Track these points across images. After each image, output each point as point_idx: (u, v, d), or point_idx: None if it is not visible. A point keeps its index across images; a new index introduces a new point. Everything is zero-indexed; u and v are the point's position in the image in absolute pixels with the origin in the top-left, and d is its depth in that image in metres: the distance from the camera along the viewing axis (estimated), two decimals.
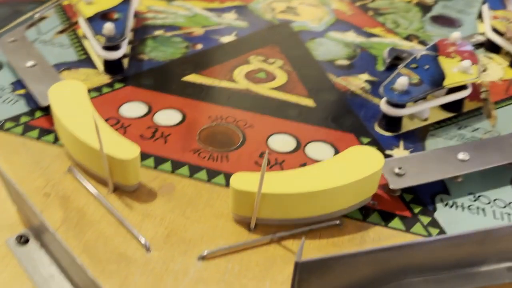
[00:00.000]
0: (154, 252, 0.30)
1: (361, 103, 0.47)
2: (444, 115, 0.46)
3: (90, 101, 0.37)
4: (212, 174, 0.37)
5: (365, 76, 0.51)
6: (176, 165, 0.37)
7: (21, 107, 0.42)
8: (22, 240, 0.30)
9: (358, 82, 0.50)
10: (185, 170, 0.37)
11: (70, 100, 0.37)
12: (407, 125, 0.44)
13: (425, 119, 0.45)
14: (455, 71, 0.44)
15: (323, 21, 0.63)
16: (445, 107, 0.46)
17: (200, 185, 0.36)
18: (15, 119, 0.41)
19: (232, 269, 0.30)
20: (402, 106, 0.41)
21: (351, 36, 0.59)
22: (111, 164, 0.33)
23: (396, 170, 0.35)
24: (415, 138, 0.43)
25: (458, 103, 0.45)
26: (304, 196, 0.31)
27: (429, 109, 0.44)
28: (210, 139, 0.40)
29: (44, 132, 0.39)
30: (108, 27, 0.45)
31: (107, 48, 0.46)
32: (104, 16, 0.49)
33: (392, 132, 0.43)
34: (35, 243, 0.30)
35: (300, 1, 0.68)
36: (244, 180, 0.31)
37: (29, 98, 0.43)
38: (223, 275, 0.29)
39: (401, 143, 0.42)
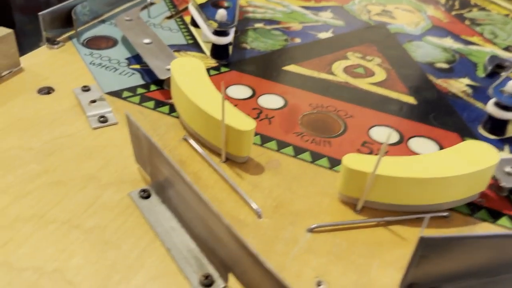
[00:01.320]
0: (265, 219, 0.32)
1: (463, 105, 0.46)
2: None
3: (209, 77, 0.40)
4: (315, 156, 0.38)
5: (466, 81, 0.50)
6: (281, 145, 0.39)
7: (137, 80, 0.45)
8: (145, 194, 0.32)
9: (459, 85, 0.49)
10: (289, 150, 0.38)
11: (190, 74, 0.39)
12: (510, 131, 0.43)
13: None
14: None
15: (420, 26, 0.63)
16: None
17: (304, 164, 0.37)
18: (132, 90, 0.44)
19: (340, 244, 0.30)
20: (510, 109, 0.40)
21: (449, 42, 0.58)
22: (228, 134, 0.34)
23: (507, 169, 0.35)
24: None
25: None
26: (416, 182, 0.31)
27: None
28: (312, 124, 0.41)
29: (159, 103, 0.42)
30: (221, 13, 0.48)
31: (218, 33, 0.48)
32: (215, 4, 0.52)
33: (497, 136, 0.42)
34: (156, 198, 0.32)
35: (395, 5, 0.68)
36: (357, 160, 0.32)
37: (143, 72, 0.46)
38: (331, 248, 0.30)
39: (506, 147, 0.41)
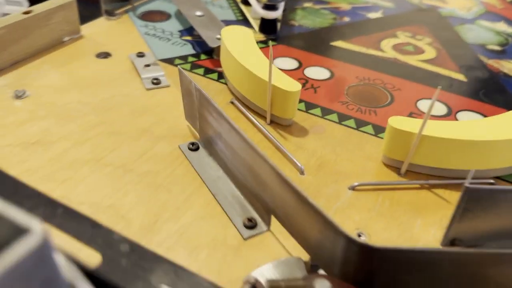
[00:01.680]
0: (307, 176, 0.32)
1: None
2: None
3: (256, 44, 0.41)
4: (360, 123, 0.38)
5: None
6: (326, 112, 0.39)
7: (188, 49, 0.47)
8: (194, 147, 0.34)
9: (511, 66, 0.48)
10: (334, 116, 0.39)
11: (240, 40, 0.40)
12: None
13: None
14: None
15: (472, 10, 0.61)
16: None
17: (349, 130, 0.37)
18: (183, 58, 0.45)
19: (383, 202, 0.30)
20: None
21: (502, 27, 0.57)
22: (274, 96, 0.35)
23: None
24: None
25: None
26: (462, 144, 0.31)
27: None
28: (358, 95, 0.42)
29: (209, 71, 0.44)
30: None
31: (267, 7, 0.49)
32: None
33: None
34: (204, 151, 0.33)
35: None
36: (402, 122, 0.32)
37: (194, 43, 0.48)
38: (374, 205, 0.30)
39: None
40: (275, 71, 0.37)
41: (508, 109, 0.41)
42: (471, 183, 0.24)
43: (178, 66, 0.34)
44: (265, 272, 0.24)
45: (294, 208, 0.25)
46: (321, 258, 0.24)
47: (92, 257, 0.24)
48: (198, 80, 0.42)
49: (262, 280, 0.22)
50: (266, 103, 0.36)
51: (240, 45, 0.40)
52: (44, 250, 0.13)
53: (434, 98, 0.29)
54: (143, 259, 0.24)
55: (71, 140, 0.34)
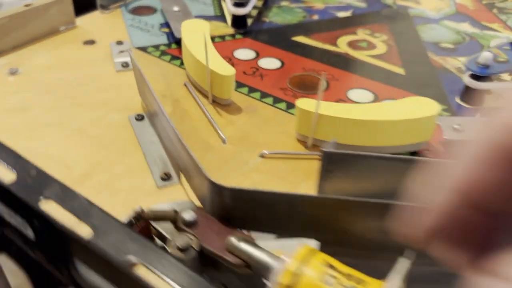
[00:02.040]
0: (228, 145, 0.39)
1: (450, 79, 0.49)
2: None
3: (209, 34, 0.47)
4: (290, 106, 0.44)
5: (464, 59, 0.53)
6: (264, 95, 0.45)
7: (163, 39, 0.54)
8: (139, 117, 0.41)
9: (455, 63, 0.52)
10: (269, 100, 0.45)
11: (195, 32, 0.47)
12: (490, 102, 0.45)
13: None
14: None
15: (442, 11, 0.65)
16: None
17: (278, 111, 0.43)
18: (156, 47, 0.53)
19: (283, 168, 0.36)
20: (482, 78, 0.43)
21: (465, 27, 0.61)
22: (212, 78, 0.42)
23: (454, 126, 0.38)
24: None
25: None
26: (355, 123, 0.36)
27: None
28: (298, 83, 0.47)
29: (174, 58, 0.51)
30: None
31: (236, 4, 0.56)
32: None
33: (471, 105, 0.45)
34: (147, 122, 0.40)
35: None
36: (308, 103, 0.38)
37: (169, 35, 0.55)
38: (275, 170, 0.36)
39: (478, 116, 0.44)
40: (216, 58, 0.43)
41: (434, 99, 0.46)
42: None
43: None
44: (158, 207, 0.31)
45: (189, 164, 0.31)
46: (202, 201, 0.30)
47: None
48: (163, 65, 0.49)
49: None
50: (207, 84, 0.43)
51: (194, 36, 0.46)
52: None
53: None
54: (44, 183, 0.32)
55: (44, 108, 0.42)
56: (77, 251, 0.20)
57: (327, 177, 0.31)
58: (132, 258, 0.20)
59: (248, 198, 0.27)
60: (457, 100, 0.46)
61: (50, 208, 0.22)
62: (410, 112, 0.36)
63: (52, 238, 0.20)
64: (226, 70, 0.42)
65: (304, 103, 0.38)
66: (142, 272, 0.20)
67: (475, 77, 0.44)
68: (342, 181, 0.31)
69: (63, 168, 0.35)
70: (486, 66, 0.43)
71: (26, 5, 0.51)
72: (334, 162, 0.31)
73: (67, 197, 0.24)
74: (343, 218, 0.27)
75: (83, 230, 0.21)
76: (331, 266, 0.24)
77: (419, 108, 0.37)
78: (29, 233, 0.21)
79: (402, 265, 0.23)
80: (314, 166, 0.37)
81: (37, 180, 0.24)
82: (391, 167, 0.31)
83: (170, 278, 0.20)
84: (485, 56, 0.43)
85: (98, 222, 0.22)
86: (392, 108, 0.37)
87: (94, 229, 0.21)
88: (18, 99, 0.43)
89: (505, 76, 0.48)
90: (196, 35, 0.47)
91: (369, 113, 0.37)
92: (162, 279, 0.20)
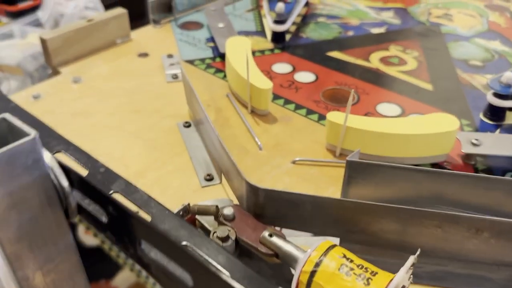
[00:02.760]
0: (264, 151, 0.43)
1: (476, 95, 0.52)
2: None
3: (250, 51, 0.52)
4: (322, 118, 0.48)
5: (491, 76, 0.55)
6: (298, 107, 0.50)
7: (208, 53, 0.59)
8: (187, 124, 0.46)
9: (482, 80, 0.55)
10: (303, 111, 0.49)
11: (238, 48, 0.52)
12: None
13: None
14: None
15: (474, 29, 0.67)
16: None
17: (310, 122, 0.47)
18: (202, 60, 0.58)
19: (313, 173, 0.41)
20: (504, 97, 0.46)
21: (496, 44, 0.63)
22: (252, 91, 0.47)
23: (473, 140, 0.41)
24: None
25: None
26: (379, 135, 0.40)
27: None
28: (330, 96, 0.51)
29: (218, 71, 0.56)
30: (280, 6, 0.60)
31: (276, 22, 0.61)
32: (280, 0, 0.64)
33: (493, 121, 0.47)
34: (193, 128, 0.46)
35: (459, 10, 0.73)
36: (337, 116, 0.42)
37: (214, 49, 0.60)
38: (304, 175, 0.40)
39: (498, 131, 0.46)
40: (256, 73, 0.48)
41: (458, 115, 0.48)
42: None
43: (180, 65, 0.46)
44: (202, 203, 0.35)
45: (229, 167, 0.36)
46: (239, 199, 0.35)
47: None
48: (208, 77, 0.54)
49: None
50: (247, 95, 0.47)
51: (236, 53, 0.51)
52: (34, 145, 0.25)
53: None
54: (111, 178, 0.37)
55: (105, 113, 0.48)
56: (141, 232, 0.25)
57: (350, 183, 0.35)
58: (183, 241, 0.25)
59: (279, 198, 0.32)
60: (481, 116, 0.48)
61: (118, 198, 0.28)
62: (431, 127, 0.40)
63: (122, 221, 0.25)
64: (264, 84, 0.46)
65: (334, 116, 0.42)
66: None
67: (498, 95, 0.46)
68: (364, 188, 0.35)
69: (122, 166, 0.41)
70: (508, 86, 0.46)
71: (89, 20, 0.57)
72: (356, 170, 0.35)
73: (130, 190, 0.29)
74: (362, 220, 0.31)
75: (144, 217, 0.26)
76: (347, 258, 0.28)
77: (440, 123, 0.40)
78: (103, 218, 0.26)
79: (410, 261, 0.27)
80: (340, 173, 0.41)
81: (106, 175, 0.30)
82: (408, 177, 0.34)
83: (213, 259, 0.24)
84: (508, 76, 0.46)
85: (155, 211, 0.27)
86: (414, 122, 0.41)
87: (153, 216, 0.26)
88: (82, 104, 0.49)
89: None
90: (239, 52, 0.51)
91: (392, 127, 0.40)
92: (206, 259, 0.25)
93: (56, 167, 0.26)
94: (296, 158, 0.42)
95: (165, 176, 0.40)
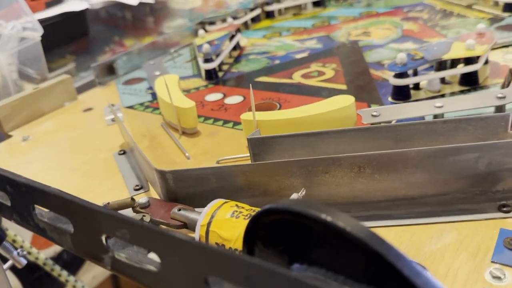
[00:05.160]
0: (192, 160, 0.47)
1: (386, 85, 0.56)
2: (459, 88, 0.52)
3: (178, 83, 0.58)
4: None
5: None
6: (226, 122, 0.54)
7: (147, 98, 0.65)
8: (121, 152, 0.50)
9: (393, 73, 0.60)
10: (230, 124, 0.53)
11: (166, 83, 0.58)
12: (417, 95, 0.52)
13: (438, 91, 0.52)
14: (461, 49, 0.51)
15: (389, 37, 0.74)
16: (461, 82, 0.52)
17: (237, 132, 0.52)
18: (141, 104, 0.63)
19: None
20: (402, 75, 0.51)
21: (408, 45, 0.69)
22: (178, 113, 0.51)
23: (373, 113, 0.45)
24: None
25: (472, 78, 0.52)
26: (286, 122, 0.44)
27: (439, 82, 0.52)
28: (256, 109, 0.56)
29: (155, 109, 0.61)
30: (205, 46, 0.67)
31: (205, 60, 0.67)
32: (208, 43, 0.71)
33: (399, 101, 0.52)
34: (128, 155, 0.50)
35: (377, 27, 0.81)
36: (248, 115, 0.46)
37: (153, 94, 0.66)
38: None
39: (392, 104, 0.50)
40: (180, 98, 0.53)
41: (368, 101, 0.53)
42: None
43: (111, 106, 0.51)
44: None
45: (148, 169, 0.39)
46: (158, 194, 0.38)
47: None
48: (145, 115, 0.59)
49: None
50: (174, 118, 0.52)
51: (163, 86, 0.57)
52: None
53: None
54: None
55: (47, 158, 0.52)
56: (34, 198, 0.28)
57: (255, 159, 0.39)
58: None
59: (186, 177, 0.35)
60: (389, 99, 0.53)
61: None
62: (330, 106, 0.44)
63: (22, 196, 0.28)
64: (187, 103, 0.51)
65: (246, 115, 0.46)
66: None
67: (398, 75, 0.51)
68: (268, 160, 0.39)
69: None
70: (404, 65, 0.51)
71: (35, 88, 0.63)
72: (258, 146, 0.38)
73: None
74: (261, 181, 0.34)
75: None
76: (238, 206, 0.31)
77: (338, 102, 0.45)
78: (7, 202, 0.29)
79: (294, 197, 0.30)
80: None
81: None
82: (303, 142, 0.38)
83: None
84: (401, 56, 0.51)
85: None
86: (316, 106, 0.45)
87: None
88: (28, 156, 0.53)
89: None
90: (166, 86, 0.57)
91: (297, 112, 0.44)
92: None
93: None
94: (219, 158, 0.46)
95: (97, 195, 0.43)
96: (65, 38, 0.92)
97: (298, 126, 0.44)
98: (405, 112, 0.45)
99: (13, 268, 0.54)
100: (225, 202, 0.31)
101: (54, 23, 0.87)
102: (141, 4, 1.07)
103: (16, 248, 0.55)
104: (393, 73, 0.52)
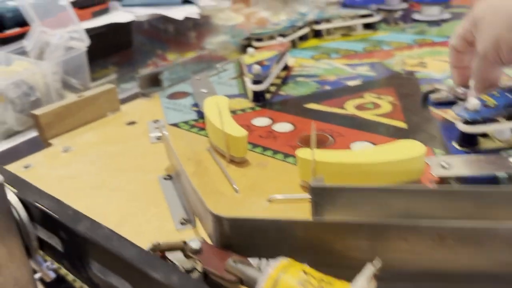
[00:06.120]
0: (240, 194, 0.44)
1: (450, 127, 0.53)
2: None
3: (228, 106, 0.55)
4: None
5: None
6: (275, 152, 0.51)
7: (193, 116, 0.63)
8: (168, 177, 0.48)
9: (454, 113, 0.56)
10: (280, 156, 0.50)
11: (215, 104, 0.55)
12: (486, 144, 0.48)
13: (508, 141, 0.48)
14: None
15: (447, 71, 0.70)
16: None
17: (287, 165, 0.49)
18: (186, 122, 0.61)
19: (288, 210, 0.41)
20: (472, 123, 0.47)
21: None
22: (228, 140, 0.49)
23: (442, 163, 0.42)
24: None
25: None
26: (348, 166, 0.41)
27: (510, 131, 0.48)
28: (307, 141, 0.53)
29: (201, 130, 0.58)
30: (256, 67, 0.64)
31: (254, 82, 0.64)
32: (257, 63, 0.68)
33: (465, 148, 0.48)
34: (172, 181, 0.47)
35: (433, 57, 0.77)
36: (306, 152, 0.43)
37: (198, 112, 0.64)
38: (280, 211, 0.41)
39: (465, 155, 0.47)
40: (230, 123, 0.50)
41: (431, 145, 0.49)
42: None
43: (163, 130, 0.48)
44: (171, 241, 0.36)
45: (199, 206, 0.37)
46: (210, 237, 0.35)
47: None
48: (191, 135, 0.57)
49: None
50: (224, 145, 0.49)
51: (213, 109, 0.54)
52: None
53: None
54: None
55: (90, 174, 0.50)
56: (93, 253, 0.25)
57: (318, 210, 0.36)
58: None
59: (244, 226, 0.32)
60: (454, 144, 0.49)
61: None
62: (398, 154, 0.41)
63: (75, 246, 0.26)
64: (239, 132, 0.48)
65: (302, 153, 0.43)
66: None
67: (468, 122, 0.47)
68: (332, 213, 0.36)
69: (101, 217, 0.42)
70: (476, 111, 0.47)
71: (79, 96, 0.61)
72: (321, 195, 0.35)
73: (94, 226, 0.30)
74: (327, 240, 0.31)
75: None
76: (306, 273, 0.28)
77: (407, 149, 0.41)
78: (58, 246, 0.27)
79: (369, 270, 0.27)
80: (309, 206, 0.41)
81: (72, 214, 0.31)
82: (372, 197, 0.35)
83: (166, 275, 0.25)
84: (474, 102, 0.47)
85: (116, 244, 0.28)
86: (381, 151, 0.42)
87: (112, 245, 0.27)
88: (69, 170, 0.51)
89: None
90: (216, 108, 0.54)
91: (360, 157, 0.41)
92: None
93: (17, 203, 0.27)
94: (271, 196, 0.43)
95: (141, 222, 0.41)
96: (109, 49, 0.91)
97: (361, 174, 0.41)
98: (478, 166, 0.41)
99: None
100: (290, 265, 0.28)
101: (100, 34, 0.86)
102: (185, 18, 1.06)
103: (46, 261, 0.53)
104: (460, 118, 0.48)
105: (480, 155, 0.44)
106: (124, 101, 0.69)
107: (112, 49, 1.00)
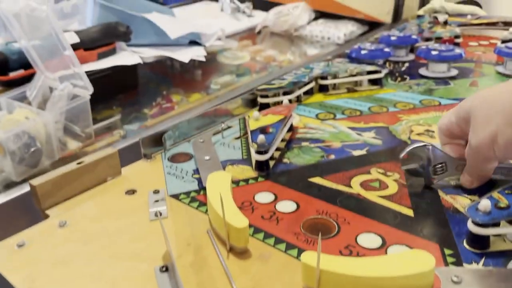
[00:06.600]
0: None
1: (460, 220, 0.51)
2: None
3: (230, 186, 0.54)
4: (301, 252, 0.47)
5: (476, 198, 0.55)
6: (278, 241, 0.49)
7: (194, 186, 0.61)
8: (164, 269, 0.46)
9: (466, 202, 0.54)
10: (282, 246, 0.49)
11: (217, 184, 0.54)
12: (498, 245, 0.47)
13: None
14: None
15: None
16: None
17: (290, 260, 0.47)
18: (187, 193, 0.59)
19: None
20: (484, 225, 0.45)
21: None
22: (229, 229, 0.47)
23: (453, 278, 0.40)
24: (500, 259, 0.45)
25: None
26: (354, 279, 0.39)
27: None
28: (311, 227, 0.51)
29: (201, 204, 0.57)
30: (261, 137, 0.63)
31: (258, 152, 0.63)
32: (262, 130, 0.67)
33: (476, 249, 0.46)
34: (168, 274, 0.45)
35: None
36: (311, 257, 0.41)
37: (199, 180, 0.62)
38: None
39: (482, 260, 0.45)
40: (232, 210, 0.48)
41: (440, 243, 0.48)
42: None
43: (160, 221, 0.47)
44: None
45: None
46: None
47: None
48: (191, 211, 0.55)
49: None
50: (225, 233, 0.48)
51: (216, 189, 0.53)
52: None
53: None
54: None
55: (85, 260, 0.48)
56: None
57: None
58: None
59: None
60: (464, 244, 0.47)
61: None
62: (406, 268, 0.39)
63: None
64: (240, 222, 0.47)
65: (307, 257, 0.41)
66: None
67: (478, 224, 0.46)
68: None
69: None
70: (487, 213, 0.45)
71: (78, 163, 0.60)
72: None
73: None
74: None
75: None
76: None
77: (416, 262, 0.40)
78: None
79: None
80: None
81: None
82: None
83: None
84: (485, 204, 0.45)
85: None
86: (390, 263, 0.40)
87: None
88: (64, 251, 0.49)
89: None
90: (218, 188, 0.53)
91: (368, 268, 0.40)
92: None
93: None
94: None
95: None
96: (113, 91, 0.91)
97: (366, 284, 0.39)
98: (488, 284, 0.39)
99: None
100: None
101: (104, 76, 0.85)
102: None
103: None
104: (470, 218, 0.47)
105: (492, 268, 0.42)
106: (126, 151, 0.67)
107: (117, 90, 1.00)
